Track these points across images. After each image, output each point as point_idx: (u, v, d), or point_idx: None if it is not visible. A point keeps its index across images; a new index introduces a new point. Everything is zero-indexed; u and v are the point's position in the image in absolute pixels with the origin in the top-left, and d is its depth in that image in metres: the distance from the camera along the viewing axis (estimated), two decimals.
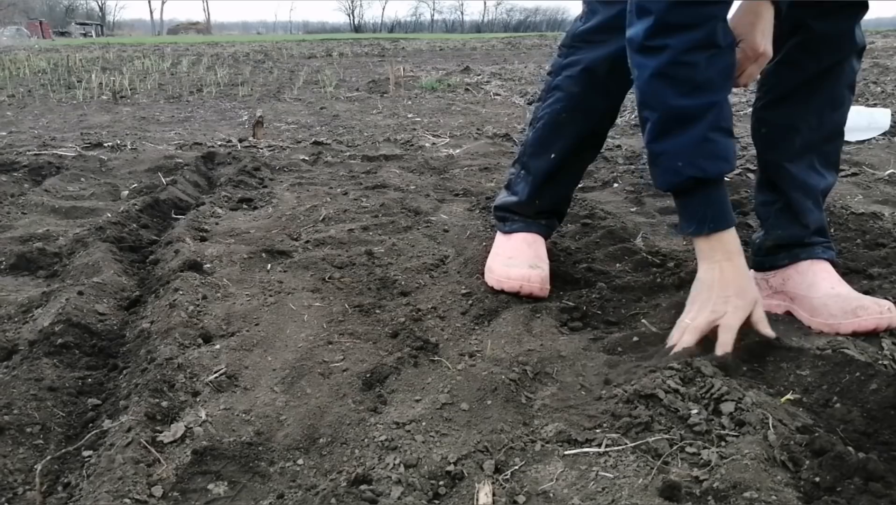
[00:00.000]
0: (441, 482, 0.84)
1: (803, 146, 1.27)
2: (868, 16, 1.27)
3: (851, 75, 1.26)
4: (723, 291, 1.08)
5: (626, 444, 0.89)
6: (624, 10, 1.31)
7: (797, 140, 1.28)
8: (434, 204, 2.09)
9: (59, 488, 0.85)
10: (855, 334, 1.14)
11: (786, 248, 1.29)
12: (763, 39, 1.15)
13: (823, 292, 1.21)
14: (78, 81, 5.97)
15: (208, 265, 1.49)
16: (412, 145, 3.21)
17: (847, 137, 1.44)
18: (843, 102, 1.28)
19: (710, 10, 1.04)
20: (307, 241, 1.69)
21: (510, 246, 1.46)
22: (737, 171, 2.50)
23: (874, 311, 1.15)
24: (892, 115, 3.26)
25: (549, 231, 1.53)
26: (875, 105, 3.79)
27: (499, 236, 1.52)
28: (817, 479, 0.80)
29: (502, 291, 1.35)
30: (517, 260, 1.39)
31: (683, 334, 1.09)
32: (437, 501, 0.82)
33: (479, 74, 6.83)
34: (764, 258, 1.31)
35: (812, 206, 1.28)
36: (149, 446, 0.87)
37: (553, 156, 1.44)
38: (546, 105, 1.45)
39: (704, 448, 0.87)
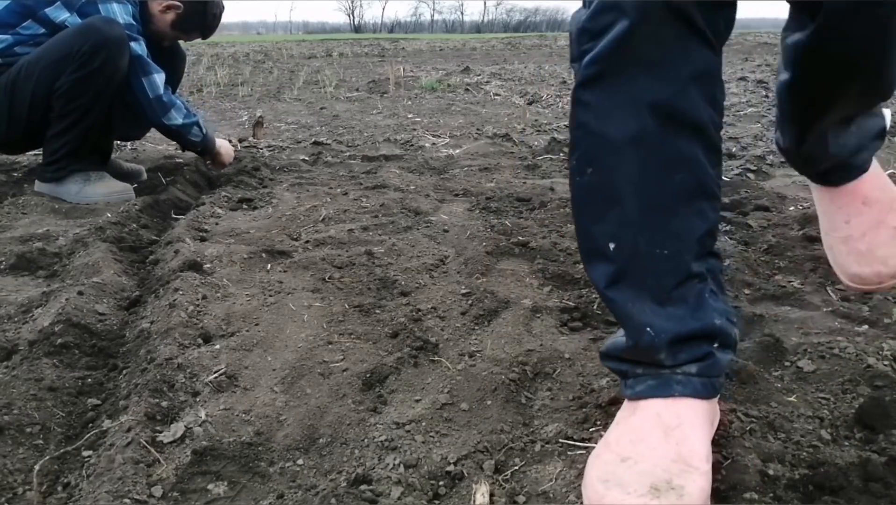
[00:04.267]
0: (441, 482, 0.84)
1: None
2: None
3: None
4: None
5: None
6: None
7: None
8: (434, 204, 2.09)
9: (59, 488, 0.85)
10: None
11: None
12: None
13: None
14: None
15: (208, 265, 1.49)
16: (412, 145, 3.21)
17: None
18: None
19: None
20: (307, 242, 1.69)
21: (630, 429, 0.81)
22: (737, 172, 2.50)
23: None
24: (892, 115, 3.26)
25: (714, 388, 0.82)
26: None
27: (624, 406, 0.86)
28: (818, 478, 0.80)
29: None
30: (635, 468, 0.75)
31: None
32: (436, 502, 0.82)
33: (479, 75, 6.83)
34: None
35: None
36: (149, 446, 0.87)
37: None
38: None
39: None
